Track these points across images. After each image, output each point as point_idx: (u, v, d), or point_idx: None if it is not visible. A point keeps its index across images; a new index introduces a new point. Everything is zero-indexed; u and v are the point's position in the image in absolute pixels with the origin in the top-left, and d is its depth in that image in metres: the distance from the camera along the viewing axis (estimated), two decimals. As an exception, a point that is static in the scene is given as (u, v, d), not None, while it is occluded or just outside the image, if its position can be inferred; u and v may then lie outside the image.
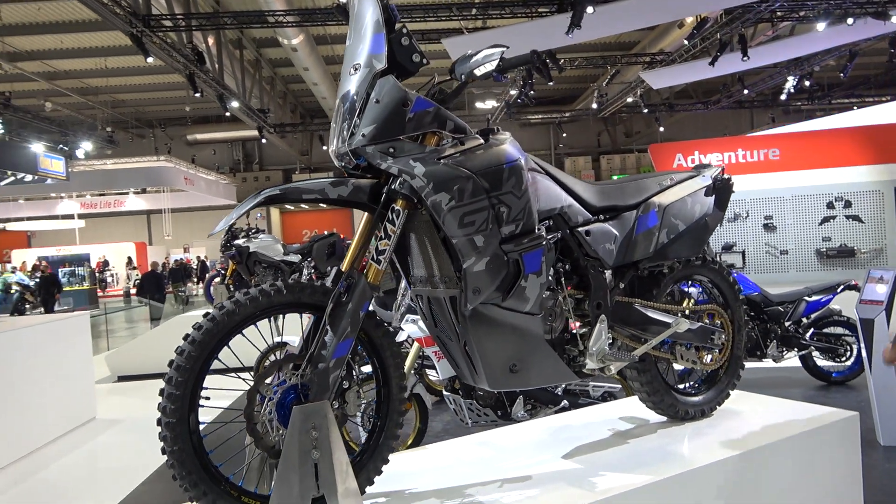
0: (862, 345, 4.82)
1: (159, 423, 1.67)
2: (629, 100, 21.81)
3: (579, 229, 2.23)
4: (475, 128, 2.04)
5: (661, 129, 25.52)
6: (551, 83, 16.97)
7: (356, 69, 1.91)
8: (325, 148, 28.27)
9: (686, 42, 15.57)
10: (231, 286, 9.04)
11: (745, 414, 2.70)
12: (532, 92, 18.42)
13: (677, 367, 2.60)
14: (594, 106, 23.94)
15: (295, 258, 8.61)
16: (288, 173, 30.77)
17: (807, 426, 2.50)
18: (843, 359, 6.30)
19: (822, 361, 6.42)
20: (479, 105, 25.11)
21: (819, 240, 8.34)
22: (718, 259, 2.68)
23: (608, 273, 2.32)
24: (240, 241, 8.41)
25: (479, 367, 2.05)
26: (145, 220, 31.36)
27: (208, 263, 25.73)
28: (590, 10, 10.83)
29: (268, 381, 1.78)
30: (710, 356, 2.62)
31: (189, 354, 1.68)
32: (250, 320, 1.77)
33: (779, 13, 14.33)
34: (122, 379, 8.45)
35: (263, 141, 24.48)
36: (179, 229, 29.10)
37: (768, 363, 6.24)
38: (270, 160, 31.79)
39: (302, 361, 1.79)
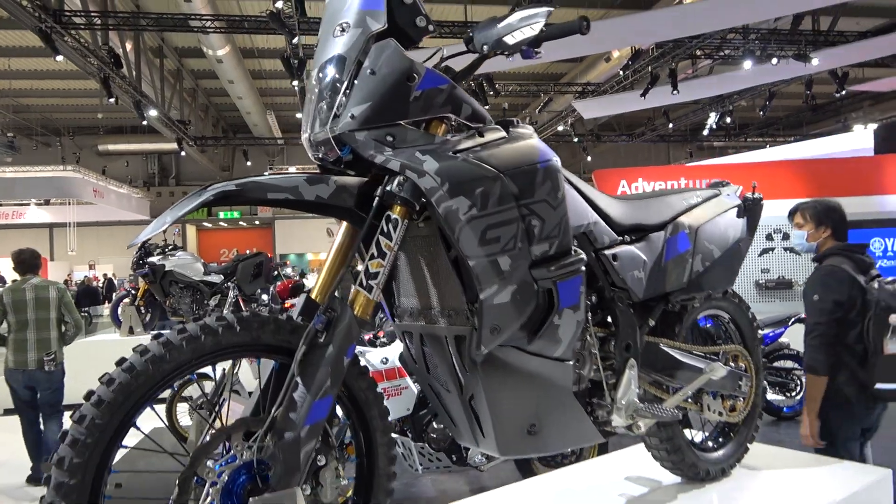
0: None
1: (41, 529, 1.10)
2: (560, 128, 22.01)
3: (605, 252, 1.80)
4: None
5: (589, 158, 25.92)
6: (486, 107, 16.80)
7: (343, 29, 1.42)
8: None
9: (621, 73, 15.79)
10: (142, 308, 8.17)
11: (767, 472, 2.33)
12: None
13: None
14: (524, 133, 24.03)
15: (216, 279, 7.87)
16: (207, 190, 29.34)
17: (846, 489, 2.15)
18: (794, 393, 6.18)
19: (772, 396, 6.28)
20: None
21: (758, 271, 8.31)
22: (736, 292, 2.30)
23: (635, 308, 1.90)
24: (154, 259, 7.59)
25: (487, 428, 1.57)
26: (47, 233, 29.08)
27: (116, 282, 24.01)
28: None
29: (210, 460, 1.24)
30: (732, 405, 2.23)
31: (93, 422, 1.12)
32: (187, 369, 1.23)
33: (707, 50, 14.78)
34: (7, 413, 7.38)
35: (182, 154, 23.18)
36: (85, 245, 27.12)
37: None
38: (188, 175, 30.28)
39: (259, 428, 1.27)
